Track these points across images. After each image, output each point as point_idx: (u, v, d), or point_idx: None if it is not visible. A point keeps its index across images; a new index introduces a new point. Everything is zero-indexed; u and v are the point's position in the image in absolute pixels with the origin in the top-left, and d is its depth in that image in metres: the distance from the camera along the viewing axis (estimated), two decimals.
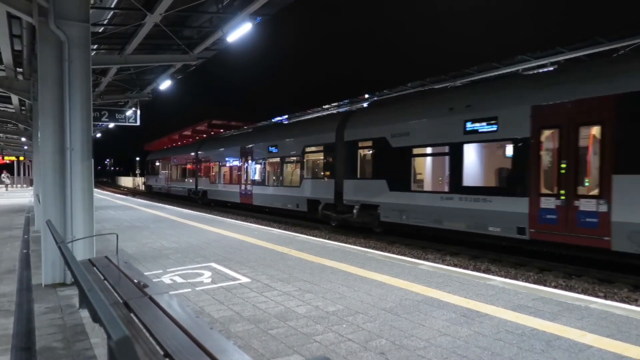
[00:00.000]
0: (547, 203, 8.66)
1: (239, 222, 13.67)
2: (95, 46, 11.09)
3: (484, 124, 9.97)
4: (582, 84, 8.42)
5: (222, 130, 34.38)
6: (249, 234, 10.24)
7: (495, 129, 9.72)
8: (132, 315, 3.06)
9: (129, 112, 16.51)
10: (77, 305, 4.76)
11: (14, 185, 44.94)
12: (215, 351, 2.26)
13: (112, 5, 8.58)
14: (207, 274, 6.30)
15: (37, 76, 6.09)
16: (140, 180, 59.56)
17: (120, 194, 41.17)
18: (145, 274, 4.65)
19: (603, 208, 7.81)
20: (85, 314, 4.45)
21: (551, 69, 11.15)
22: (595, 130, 8.11)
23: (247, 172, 21.12)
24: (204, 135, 36.85)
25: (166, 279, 6.00)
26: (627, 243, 7.50)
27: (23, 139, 31.23)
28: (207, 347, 2.32)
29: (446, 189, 10.98)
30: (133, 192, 45.59)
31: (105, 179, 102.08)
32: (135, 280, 3.82)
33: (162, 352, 2.39)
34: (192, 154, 28.75)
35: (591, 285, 7.80)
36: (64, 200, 5.78)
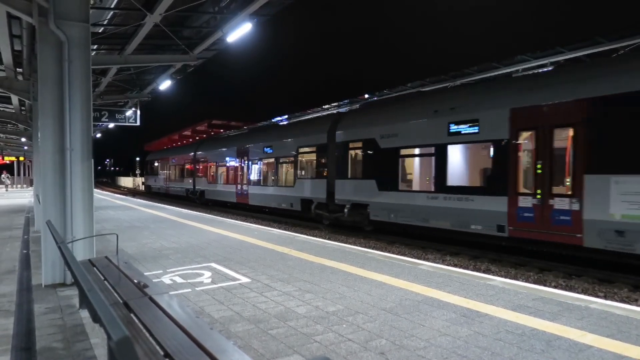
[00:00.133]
0: (525, 202, 9.02)
1: (239, 222, 13.67)
2: (95, 46, 11.09)
3: (466, 125, 10.33)
4: (557, 88, 8.75)
5: (222, 131, 34.51)
6: (249, 234, 10.24)
7: (476, 130, 10.07)
8: (132, 315, 3.06)
9: (128, 112, 16.51)
10: (77, 305, 4.76)
11: (14, 186, 44.93)
12: (215, 351, 2.26)
13: (112, 6, 8.58)
14: (207, 274, 6.30)
15: (37, 76, 6.09)
16: (140, 181, 59.60)
17: (120, 194, 41.17)
18: (145, 274, 4.65)
19: (575, 206, 8.17)
20: (85, 314, 4.45)
21: (540, 70, 11.35)
22: (569, 132, 8.44)
23: (243, 172, 21.47)
24: (204, 136, 36.92)
25: (166, 279, 6.00)
26: (598, 240, 7.85)
27: (23, 139, 31.22)
28: (207, 347, 2.32)
29: (431, 188, 11.30)
30: (133, 193, 45.58)
31: (105, 179, 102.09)
32: (135, 281, 3.82)
33: (162, 353, 2.39)
34: (190, 154, 29.04)
35: (591, 285, 7.80)
36: (64, 200, 5.78)
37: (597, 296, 7.02)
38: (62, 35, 5.64)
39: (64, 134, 5.73)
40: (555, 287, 7.54)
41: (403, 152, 12.17)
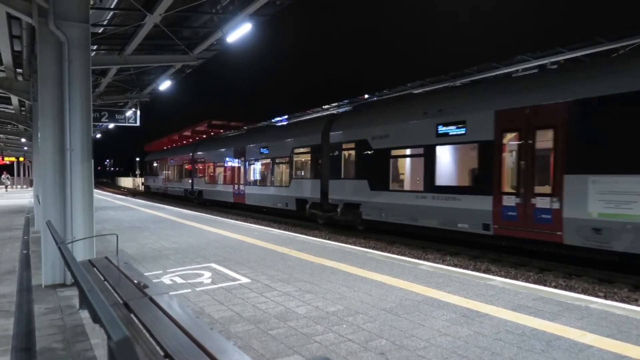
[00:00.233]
0: (509, 201, 9.33)
1: (239, 222, 13.67)
2: (95, 47, 11.09)
3: (454, 127, 10.64)
4: (539, 91, 9.04)
5: (222, 131, 34.57)
6: (248, 234, 10.24)
7: (463, 132, 10.39)
8: (132, 315, 3.07)
9: (128, 113, 16.52)
10: (77, 305, 4.76)
11: (14, 186, 44.93)
12: (215, 352, 2.26)
13: (112, 6, 8.59)
14: (207, 274, 6.30)
15: (37, 77, 6.09)
16: (140, 181, 59.64)
17: (120, 194, 41.17)
18: (145, 274, 4.65)
19: (556, 205, 8.48)
20: (85, 314, 4.45)
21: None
22: (550, 134, 8.73)
23: (240, 172, 21.80)
24: (204, 136, 36.97)
25: (166, 280, 6.00)
26: (576, 237, 8.17)
27: (23, 140, 31.24)
28: (207, 347, 2.33)
29: (420, 188, 11.58)
30: (133, 193, 45.59)
31: (105, 180, 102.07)
32: (135, 281, 3.82)
33: (162, 353, 2.39)
34: (188, 155, 29.33)
35: (591, 285, 7.80)
36: (64, 200, 5.78)
37: (597, 296, 7.02)
38: (62, 36, 5.64)
39: (64, 134, 5.73)
40: (555, 287, 7.54)
41: (394, 152, 12.46)
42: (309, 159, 16.42)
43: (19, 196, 29.23)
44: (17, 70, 11.87)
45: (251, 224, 13.09)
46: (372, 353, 3.52)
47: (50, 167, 5.76)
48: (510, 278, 7.93)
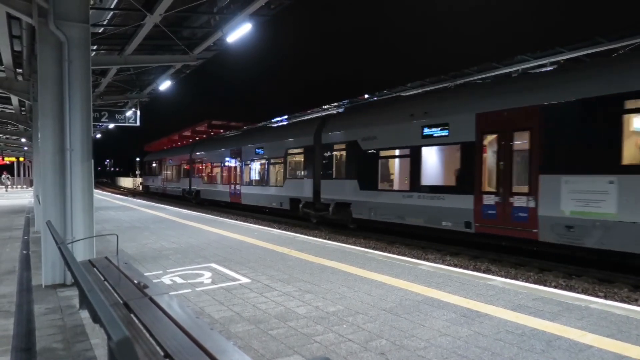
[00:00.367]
0: (489, 200, 9.75)
1: (239, 222, 13.67)
2: (95, 47, 11.09)
3: (438, 129, 11.06)
4: (516, 94, 9.44)
5: (222, 131, 34.68)
6: (248, 235, 10.24)
7: (447, 133, 10.81)
8: (132, 315, 3.06)
9: (128, 113, 16.52)
10: (77, 306, 4.76)
11: (14, 186, 44.93)
12: (215, 352, 2.26)
13: (112, 6, 8.58)
14: (207, 274, 6.30)
15: (37, 77, 6.08)
16: (140, 181, 59.68)
17: (120, 194, 41.17)
18: (146, 274, 4.65)
19: (532, 204, 8.89)
20: (85, 314, 4.45)
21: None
22: (526, 136, 9.12)
23: (236, 172, 22.23)
24: (204, 136, 37.04)
25: (166, 280, 6.00)
26: (550, 234, 8.57)
27: (23, 140, 31.24)
28: (208, 347, 2.33)
29: (407, 188, 12.02)
30: (133, 193, 45.59)
31: (105, 180, 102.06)
32: (136, 281, 3.82)
33: (162, 353, 2.39)
34: (186, 155, 29.72)
35: (591, 285, 7.80)
36: (64, 201, 5.78)
37: (597, 296, 7.02)
38: (62, 36, 5.64)
39: (64, 134, 5.73)
40: (555, 287, 7.54)
41: (382, 153, 12.87)
42: (302, 159, 16.82)
43: (19, 196, 29.23)
44: (17, 70, 11.87)
45: (251, 224, 13.09)
46: (372, 353, 3.52)
47: (50, 167, 5.76)
48: (510, 278, 7.92)
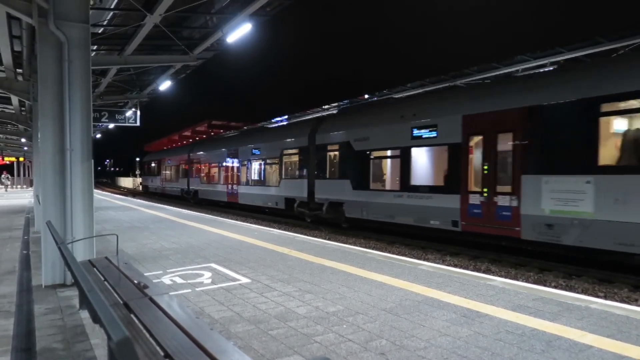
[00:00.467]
0: (474, 199, 10.04)
1: (239, 222, 13.67)
2: (95, 47, 11.09)
3: (426, 130, 11.36)
4: (501, 97, 9.73)
5: (222, 131, 34.75)
6: (248, 235, 10.24)
7: (435, 135, 11.12)
8: (132, 316, 3.06)
9: (128, 113, 16.52)
10: (77, 306, 4.76)
11: (14, 186, 44.92)
12: (215, 352, 2.26)
13: (112, 6, 8.58)
14: (207, 274, 6.30)
15: (37, 77, 6.08)
16: (139, 181, 59.71)
17: (120, 194, 41.17)
18: (146, 274, 4.65)
19: (514, 203, 9.18)
20: (85, 314, 4.45)
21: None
22: (509, 137, 9.39)
23: (233, 173, 22.65)
24: (204, 136, 37.08)
25: (166, 280, 6.00)
26: (532, 232, 8.85)
27: (23, 140, 31.24)
28: (208, 347, 2.32)
29: (397, 187, 12.31)
30: (133, 193, 45.58)
31: (105, 180, 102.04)
32: (136, 281, 3.82)
33: (162, 353, 2.39)
34: (185, 156, 30.08)
35: (591, 285, 7.79)
36: (64, 201, 5.77)
37: (597, 296, 7.02)
38: (62, 36, 5.64)
39: (64, 134, 5.72)
40: (555, 287, 7.54)
41: (373, 154, 13.20)
42: (297, 160, 17.18)
43: (19, 196, 29.23)
44: (17, 70, 11.87)
45: (251, 224, 13.10)
46: (372, 353, 3.52)
47: (50, 167, 5.75)
48: (510, 278, 7.92)
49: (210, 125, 36.02)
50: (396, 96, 16.37)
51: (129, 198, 30.68)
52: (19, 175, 47.65)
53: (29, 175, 48.71)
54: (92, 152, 5.99)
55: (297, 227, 15.97)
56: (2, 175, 39.43)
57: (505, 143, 9.48)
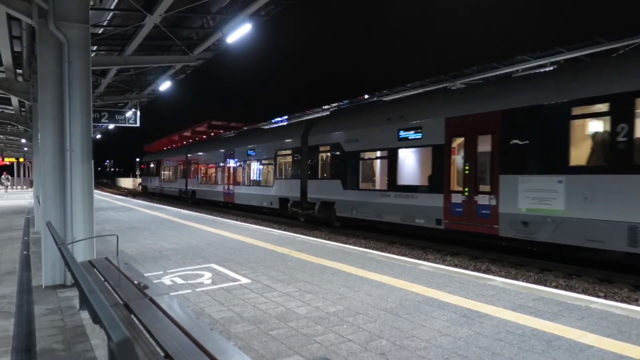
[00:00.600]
0: (456, 198, 10.43)
1: (239, 222, 13.67)
2: (95, 47, 11.09)
3: (412, 132, 11.75)
4: (480, 100, 10.12)
5: (221, 131, 34.85)
6: (248, 235, 10.24)
7: (420, 136, 11.52)
8: (132, 316, 3.06)
9: (128, 113, 16.51)
10: (78, 306, 4.75)
11: (14, 187, 44.92)
12: (215, 352, 2.26)
13: (112, 7, 8.58)
14: (208, 275, 6.30)
15: (37, 77, 6.08)
16: (139, 181, 59.76)
17: (120, 195, 41.17)
18: (146, 275, 4.65)
19: (493, 202, 9.57)
20: (85, 315, 4.44)
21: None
22: (488, 139, 9.76)
23: (229, 173, 23.08)
24: (204, 137, 37.13)
25: (166, 280, 6.00)
26: (509, 229, 9.23)
27: (23, 141, 31.24)
28: (208, 348, 2.32)
29: (385, 187, 12.72)
30: (133, 194, 45.58)
31: (105, 180, 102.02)
32: (136, 282, 3.82)
33: (162, 354, 2.38)
34: (182, 156, 30.48)
35: (591, 285, 7.79)
36: (64, 201, 5.77)
37: (598, 296, 7.02)
38: (62, 37, 5.64)
39: (64, 135, 5.72)
40: (555, 287, 7.54)
41: (362, 155, 13.63)
42: (290, 160, 17.61)
43: (19, 197, 29.23)
44: (17, 70, 11.87)
45: (251, 225, 13.09)
46: (373, 353, 3.52)
47: (50, 167, 5.75)
48: (510, 278, 7.92)
49: (210, 126, 36.07)
50: (395, 97, 16.59)
51: (129, 199, 30.68)
52: (19, 175, 47.65)
53: (29, 176, 48.73)
54: (92, 153, 5.99)
55: (297, 228, 15.98)
56: (2, 176, 39.43)
57: (485, 144, 9.86)
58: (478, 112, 9.96)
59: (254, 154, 20.49)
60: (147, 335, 2.66)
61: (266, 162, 19.44)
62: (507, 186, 9.23)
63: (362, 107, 16.20)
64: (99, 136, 30.19)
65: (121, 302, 3.35)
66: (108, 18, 9.35)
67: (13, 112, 18.87)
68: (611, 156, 7.75)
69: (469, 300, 4.92)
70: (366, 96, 18.32)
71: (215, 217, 15.31)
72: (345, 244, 11.15)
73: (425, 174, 11.62)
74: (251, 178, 20.80)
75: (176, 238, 9.89)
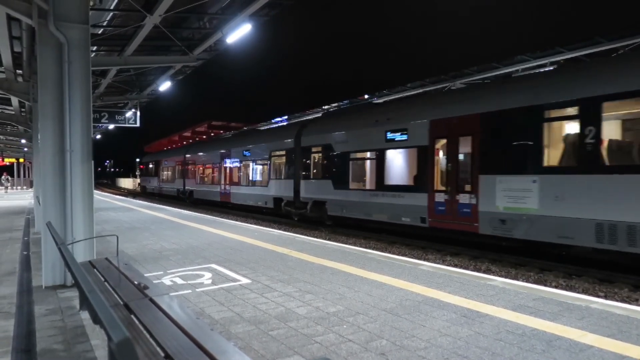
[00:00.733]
0: (440, 197, 10.83)
1: (239, 223, 13.67)
2: (94, 47, 11.09)
3: (398, 133, 12.13)
4: (462, 103, 10.46)
5: (222, 132, 34.92)
6: (248, 235, 10.24)
7: (406, 138, 11.89)
8: (132, 316, 3.06)
9: (128, 114, 16.50)
10: (78, 307, 4.75)
11: (14, 187, 44.91)
12: (215, 352, 2.26)
13: (112, 7, 8.59)
14: (208, 275, 6.30)
15: (37, 78, 6.08)
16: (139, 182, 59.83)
17: (120, 195, 41.17)
18: (146, 275, 4.65)
19: (473, 201, 9.95)
20: (85, 315, 4.44)
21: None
22: (469, 140, 10.13)
23: (225, 173, 23.52)
24: (204, 137, 37.19)
25: (166, 281, 6.00)
26: (488, 227, 9.62)
27: (23, 141, 31.24)
28: (208, 348, 2.32)
29: (373, 187, 13.09)
30: (133, 194, 45.58)
31: (105, 181, 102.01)
32: (136, 282, 3.82)
33: (162, 354, 2.38)
34: (180, 157, 30.90)
35: (591, 285, 7.79)
36: (64, 201, 5.77)
37: (598, 296, 7.01)
38: (62, 37, 5.64)
39: (64, 135, 5.72)
40: (555, 287, 7.53)
41: (352, 155, 14.03)
42: (284, 161, 18.01)
43: (19, 197, 29.23)
44: (17, 71, 11.88)
45: (251, 225, 13.10)
46: (373, 353, 3.52)
47: (50, 168, 5.75)
48: (510, 278, 7.92)
49: (210, 126, 36.11)
50: (395, 97, 16.71)
51: (129, 199, 30.68)
52: (19, 176, 47.66)
53: (29, 176, 48.72)
54: (92, 153, 5.99)
55: (297, 228, 15.97)
56: (2, 177, 39.43)
57: (465, 146, 10.23)
58: (459, 115, 10.32)
59: (249, 154, 20.89)
60: (147, 336, 2.66)
61: (261, 162, 19.84)
62: (486, 186, 9.59)
63: (352, 109, 16.61)
64: (99, 136, 30.22)
65: (121, 303, 3.35)
66: (108, 18, 9.35)
67: (13, 113, 18.88)
68: (579, 157, 8.09)
69: (469, 300, 4.92)
70: (366, 96, 18.33)
71: (215, 217, 15.31)
72: (345, 244, 11.15)
73: (411, 174, 12.02)
74: (247, 178, 21.21)
75: (176, 238, 9.89)
